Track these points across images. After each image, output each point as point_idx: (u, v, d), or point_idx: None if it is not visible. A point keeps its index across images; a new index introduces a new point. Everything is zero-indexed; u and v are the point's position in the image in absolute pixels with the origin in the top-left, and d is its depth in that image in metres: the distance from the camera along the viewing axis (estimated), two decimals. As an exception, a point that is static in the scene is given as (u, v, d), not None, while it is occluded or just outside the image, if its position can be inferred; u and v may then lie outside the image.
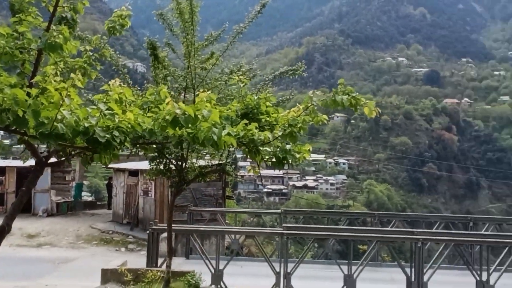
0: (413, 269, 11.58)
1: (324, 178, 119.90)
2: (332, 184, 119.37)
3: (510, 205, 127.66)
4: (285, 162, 4.98)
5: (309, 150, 5.15)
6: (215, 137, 4.01)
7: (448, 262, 15.81)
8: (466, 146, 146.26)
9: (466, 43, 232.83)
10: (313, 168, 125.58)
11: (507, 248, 11.52)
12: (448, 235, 13.14)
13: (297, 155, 4.98)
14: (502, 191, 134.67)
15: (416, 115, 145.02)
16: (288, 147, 4.92)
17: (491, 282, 11.13)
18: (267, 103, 5.49)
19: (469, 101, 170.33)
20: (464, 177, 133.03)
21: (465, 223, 17.73)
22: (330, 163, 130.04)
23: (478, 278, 11.21)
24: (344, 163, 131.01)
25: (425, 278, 11.34)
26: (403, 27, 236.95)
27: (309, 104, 4.80)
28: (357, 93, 4.94)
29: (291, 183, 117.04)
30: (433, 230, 15.81)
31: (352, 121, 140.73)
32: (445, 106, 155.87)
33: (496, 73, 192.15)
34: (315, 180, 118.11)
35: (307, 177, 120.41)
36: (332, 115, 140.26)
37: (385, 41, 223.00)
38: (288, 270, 11.80)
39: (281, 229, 12.90)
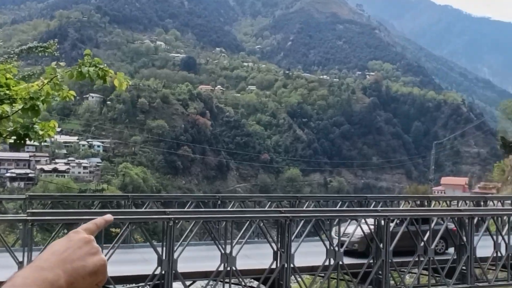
0: (164, 248, 12.00)
1: (77, 161, 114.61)
2: (85, 168, 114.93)
3: (254, 184, 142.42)
4: (27, 139, 4.58)
5: (54, 126, 4.83)
6: None
7: (198, 239, 16.89)
8: (218, 130, 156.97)
9: (220, 33, 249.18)
10: (64, 151, 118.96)
11: (248, 222, 12.85)
12: (198, 213, 14.02)
13: (41, 132, 4.62)
14: (247, 172, 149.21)
15: (173, 99, 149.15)
16: (29, 124, 4.50)
17: (234, 253, 12.30)
18: (8, 75, 4.92)
19: (221, 88, 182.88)
20: (216, 159, 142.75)
21: (214, 202, 19.13)
22: (83, 145, 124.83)
23: (222, 251, 12.25)
24: (99, 146, 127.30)
25: (176, 255, 11.89)
26: (162, 11, 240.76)
27: (53, 76, 4.48)
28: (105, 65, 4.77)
29: (38, 166, 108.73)
30: (185, 209, 16.65)
31: (108, 102, 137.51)
32: (200, 92, 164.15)
33: (245, 64, 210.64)
34: (66, 164, 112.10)
35: (57, 160, 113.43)
36: (87, 95, 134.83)
37: (144, 23, 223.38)
38: (32, 259, 11.03)
39: (25, 215, 11.96)
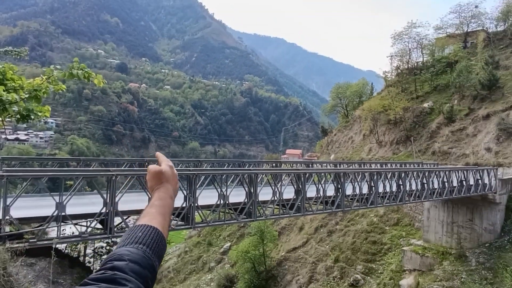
0: (108, 195, 11.42)
1: (35, 133, 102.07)
2: (41, 138, 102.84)
3: (167, 152, 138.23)
4: (28, 118, 4.18)
5: (48, 110, 4.47)
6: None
7: (133, 189, 16.22)
8: (143, 115, 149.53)
9: (145, 48, 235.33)
10: (24, 125, 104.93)
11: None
12: (133, 171, 13.48)
13: (39, 114, 4.25)
14: (163, 144, 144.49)
15: (110, 92, 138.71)
16: (31, 107, 4.11)
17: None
18: (11, 72, 4.39)
19: (146, 86, 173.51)
20: (141, 134, 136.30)
21: (142, 163, 18.43)
22: (40, 121, 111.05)
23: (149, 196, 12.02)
24: (52, 122, 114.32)
25: (116, 199, 11.41)
26: (102, 28, 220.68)
27: (51, 75, 4.13)
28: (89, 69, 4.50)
29: (3, 136, 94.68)
30: (123, 168, 15.88)
31: (60, 91, 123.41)
32: (130, 88, 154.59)
33: (163, 70, 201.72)
34: (26, 135, 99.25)
35: (19, 132, 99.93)
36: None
37: (89, 36, 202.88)
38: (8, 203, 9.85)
39: (1, 172, 10.57)
